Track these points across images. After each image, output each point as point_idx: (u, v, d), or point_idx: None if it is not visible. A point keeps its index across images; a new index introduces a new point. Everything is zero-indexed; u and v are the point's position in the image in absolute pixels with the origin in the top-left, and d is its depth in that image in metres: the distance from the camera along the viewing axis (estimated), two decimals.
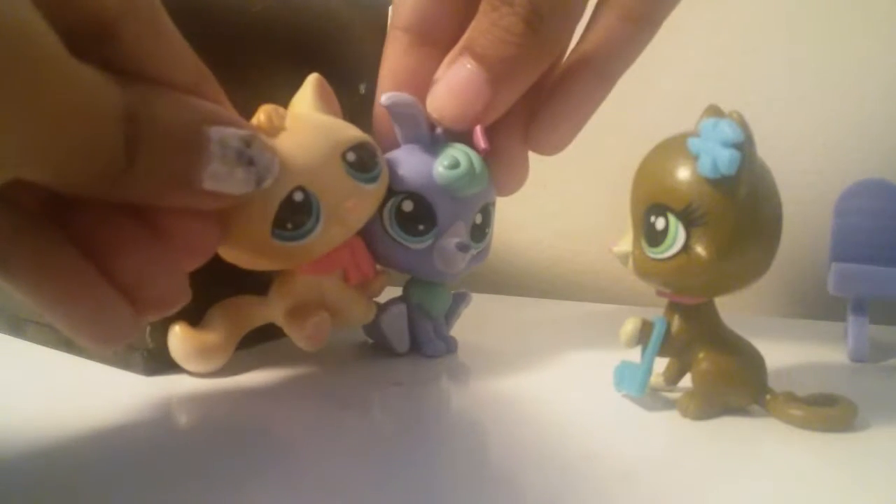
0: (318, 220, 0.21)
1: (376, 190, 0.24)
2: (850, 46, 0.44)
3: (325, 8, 0.31)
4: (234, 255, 0.22)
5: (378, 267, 0.27)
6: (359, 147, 0.23)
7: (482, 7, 0.24)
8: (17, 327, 0.29)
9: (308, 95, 0.23)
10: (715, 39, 0.47)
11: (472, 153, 0.26)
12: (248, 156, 0.18)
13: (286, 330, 0.24)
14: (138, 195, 0.16)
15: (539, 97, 0.28)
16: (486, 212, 0.28)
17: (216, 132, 0.17)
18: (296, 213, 0.21)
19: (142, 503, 0.16)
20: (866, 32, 0.44)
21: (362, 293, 0.26)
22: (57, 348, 0.27)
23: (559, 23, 0.24)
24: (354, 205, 0.23)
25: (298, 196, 0.21)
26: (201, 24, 0.25)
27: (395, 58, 0.27)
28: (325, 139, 0.22)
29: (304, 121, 0.22)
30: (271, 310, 0.25)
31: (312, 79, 0.24)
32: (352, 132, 0.23)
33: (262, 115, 0.20)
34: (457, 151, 0.25)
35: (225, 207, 0.18)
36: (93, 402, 0.22)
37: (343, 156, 0.22)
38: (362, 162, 0.23)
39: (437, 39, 0.26)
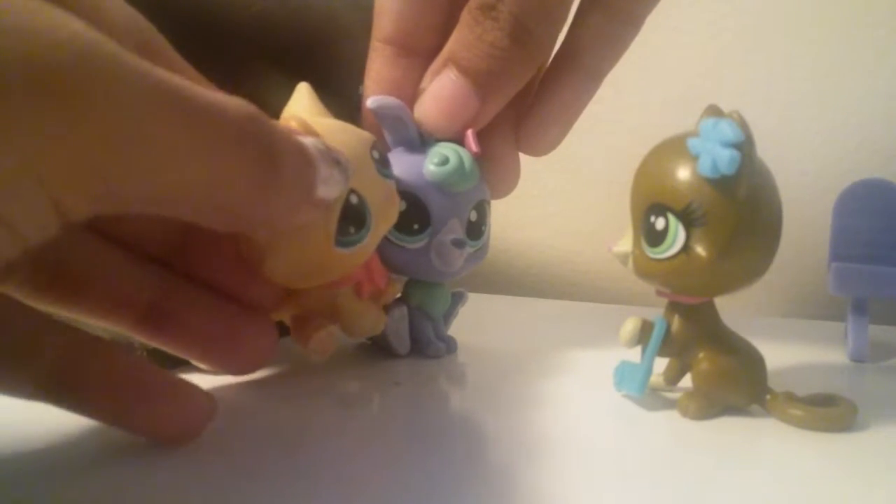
0: (371, 220, 0.22)
1: (394, 185, 0.24)
2: (850, 46, 0.44)
3: (325, 9, 0.31)
4: (290, 275, 0.21)
5: (391, 277, 0.27)
6: (377, 144, 0.23)
7: (464, 18, 0.25)
8: None
9: (306, 102, 0.23)
10: (715, 39, 0.47)
11: (462, 150, 0.26)
12: (333, 156, 0.18)
13: (293, 337, 0.24)
14: (275, 216, 0.16)
15: (527, 98, 0.28)
16: (481, 209, 0.28)
17: (305, 140, 0.17)
18: (356, 216, 0.21)
19: (142, 503, 0.16)
20: (866, 32, 0.44)
21: (372, 304, 0.26)
22: None
23: (544, 34, 0.25)
24: (391, 200, 0.23)
25: (354, 199, 0.21)
26: (198, 23, 0.25)
27: (379, 69, 0.27)
28: (355, 139, 0.22)
29: (327, 124, 0.22)
30: (282, 311, 0.25)
31: (305, 86, 0.24)
32: (366, 131, 0.23)
33: (293, 123, 0.20)
34: (446, 149, 0.26)
35: (318, 219, 0.19)
36: None
37: (371, 153, 0.22)
38: (383, 158, 0.23)
39: (420, 49, 0.27)
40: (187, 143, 0.13)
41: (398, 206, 0.24)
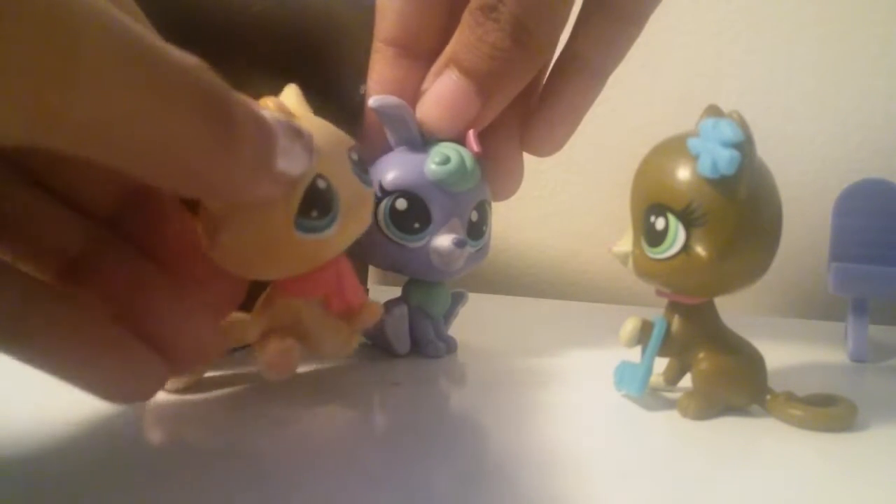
0: (337, 212, 0.21)
1: (372, 193, 0.23)
2: (850, 46, 0.44)
3: (326, 9, 0.31)
4: (245, 256, 0.20)
5: (368, 298, 0.25)
6: (358, 147, 0.23)
7: (466, 20, 0.25)
8: None
9: (294, 99, 0.23)
10: (715, 39, 0.47)
11: (463, 150, 0.26)
12: (295, 126, 0.17)
13: (256, 353, 0.23)
14: (232, 182, 0.15)
15: (530, 99, 0.28)
16: (482, 209, 0.28)
17: (262, 110, 0.16)
18: (321, 200, 0.20)
19: (137, 501, 0.16)
20: (866, 32, 0.44)
21: (344, 324, 0.24)
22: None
23: (546, 35, 0.25)
24: (364, 201, 0.22)
25: (322, 183, 0.20)
26: (198, 24, 0.25)
27: (381, 70, 0.27)
28: (334, 134, 0.22)
29: (306, 116, 0.22)
30: (249, 330, 0.23)
31: (293, 87, 0.23)
32: (345, 134, 0.23)
33: (269, 103, 0.20)
34: (447, 148, 0.26)
35: (278, 195, 0.18)
36: (92, 400, 0.22)
37: (349, 153, 0.22)
38: (362, 162, 0.23)
39: (422, 51, 0.27)
40: (138, 85, 0.12)
41: (371, 210, 0.23)
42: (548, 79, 0.28)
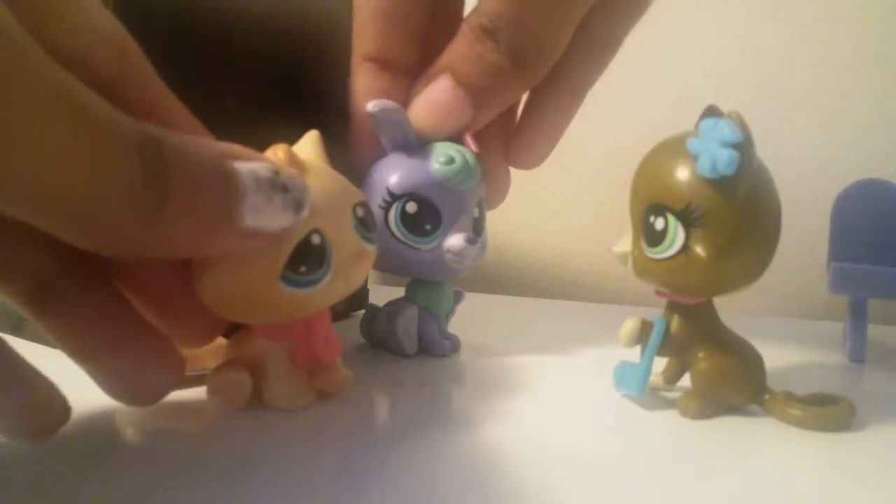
0: (328, 269, 0.20)
1: (374, 252, 0.22)
2: (850, 46, 0.44)
3: (327, 11, 0.31)
4: (226, 300, 0.19)
5: (340, 365, 0.24)
6: (366, 204, 0.22)
7: (465, 32, 0.25)
8: (17, 327, 0.29)
9: (311, 147, 0.22)
10: (715, 39, 0.47)
11: (462, 148, 0.26)
12: (281, 182, 0.17)
13: (209, 378, 0.22)
14: (178, 241, 0.15)
15: (513, 113, 0.29)
16: (481, 205, 0.28)
17: (241, 165, 0.16)
18: (312, 257, 0.19)
19: (138, 501, 0.16)
20: (866, 32, 0.44)
21: (305, 377, 0.23)
22: (56, 347, 0.27)
23: (543, 62, 0.25)
24: (360, 261, 0.21)
25: (316, 239, 0.19)
26: (198, 26, 0.25)
27: (366, 83, 0.27)
28: (341, 188, 0.21)
29: (319, 167, 0.21)
30: (216, 355, 0.23)
31: (314, 134, 0.23)
32: (356, 189, 0.22)
33: (279, 152, 0.19)
34: (449, 148, 0.26)
35: (256, 249, 0.17)
36: (91, 398, 0.22)
37: (354, 209, 0.21)
38: (368, 220, 0.22)
39: (402, 64, 0.27)
40: (65, 141, 0.12)
41: (368, 270, 0.22)
42: (529, 96, 0.29)
